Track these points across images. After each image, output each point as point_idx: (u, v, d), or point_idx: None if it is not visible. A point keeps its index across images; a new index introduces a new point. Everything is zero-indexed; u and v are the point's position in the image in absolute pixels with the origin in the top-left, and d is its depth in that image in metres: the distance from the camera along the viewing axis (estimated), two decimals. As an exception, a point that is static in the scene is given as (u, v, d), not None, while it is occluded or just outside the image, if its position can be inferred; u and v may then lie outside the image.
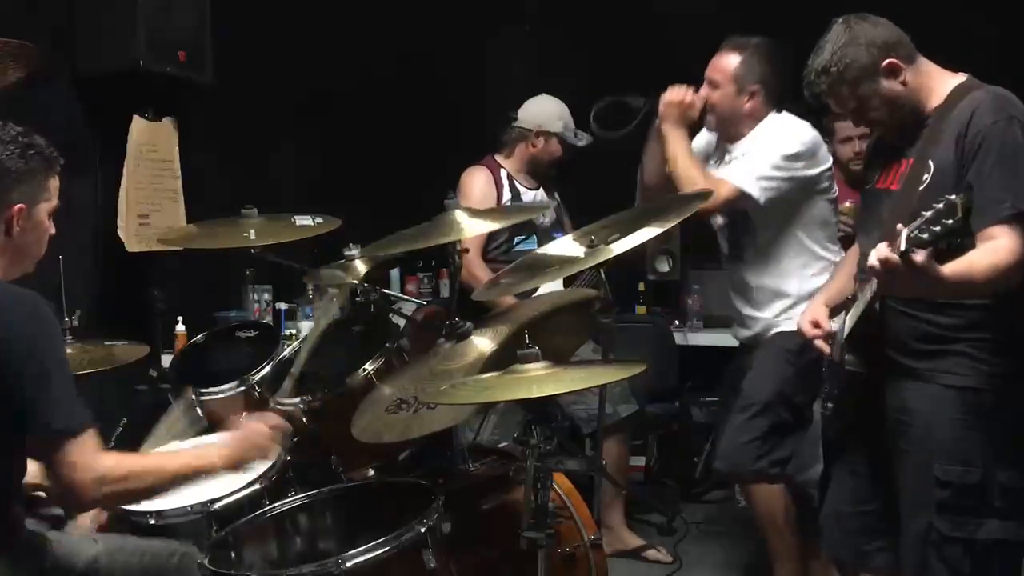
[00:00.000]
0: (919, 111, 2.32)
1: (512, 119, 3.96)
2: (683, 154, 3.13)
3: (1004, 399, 2.23)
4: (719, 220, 3.29)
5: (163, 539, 2.25)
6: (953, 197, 1.88)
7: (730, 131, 3.23)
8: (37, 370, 1.88)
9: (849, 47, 2.28)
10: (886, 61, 2.28)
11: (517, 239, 3.90)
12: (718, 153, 3.33)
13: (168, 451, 2.17)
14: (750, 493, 3.35)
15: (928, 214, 1.91)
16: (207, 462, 2.09)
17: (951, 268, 2.04)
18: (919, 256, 1.92)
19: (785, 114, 3.19)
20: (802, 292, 3.07)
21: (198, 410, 2.68)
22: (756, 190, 3.03)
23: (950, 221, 1.88)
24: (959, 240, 1.95)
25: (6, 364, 1.87)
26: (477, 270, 3.68)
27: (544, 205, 3.93)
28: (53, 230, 2.16)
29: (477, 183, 3.91)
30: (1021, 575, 2.36)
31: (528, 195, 3.95)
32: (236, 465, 2.16)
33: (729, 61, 3.17)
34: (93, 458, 1.90)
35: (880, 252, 1.98)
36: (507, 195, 3.90)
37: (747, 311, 3.25)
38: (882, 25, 2.32)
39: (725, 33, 3.28)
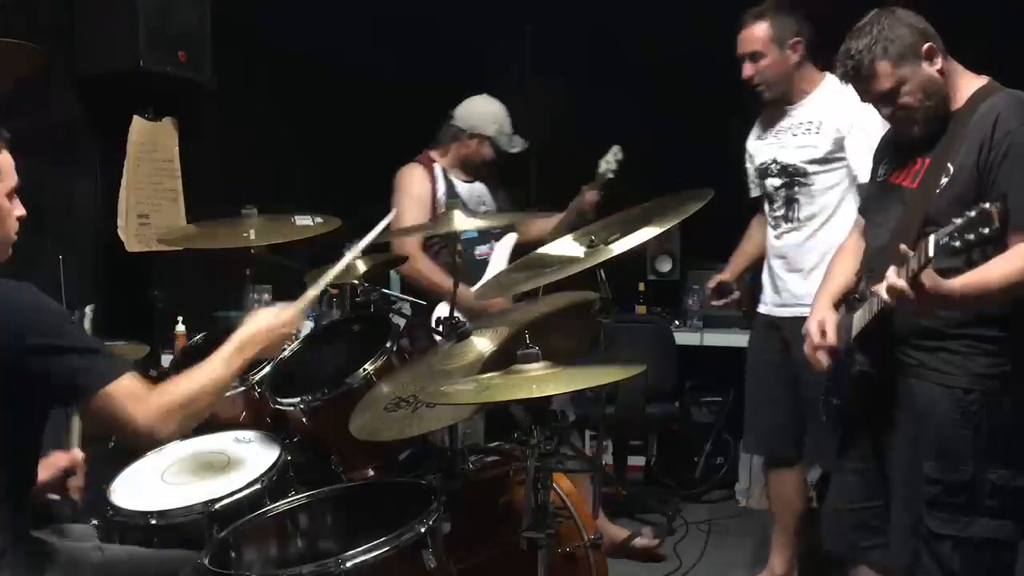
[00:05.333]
0: (945, 105, 2.32)
1: (449, 116, 3.92)
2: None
3: (996, 399, 2.24)
4: (776, 182, 3.38)
5: (166, 550, 2.24)
6: (987, 205, 1.87)
7: (787, 91, 3.33)
8: (51, 345, 1.90)
9: (895, 26, 2.30)
10: (927, 45, 2.29)
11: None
12: (769, 120, 3.42)
13: (194, 371, 2.14)
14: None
15: (960, 221, 1.88)
16: (232, 367, 2.14)
17: (963, 281, 2.04)
18: (927, 279, 1.92)
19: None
20: None
21: None
22: None
23: (986, 230, 1.86)
24: (990, 249, 1.93)
25: (20, 349, 1.88)
26: (421, 265, 3.64)
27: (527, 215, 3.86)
28: (21, 211, 2.10)
29: (414, 180, 3.84)
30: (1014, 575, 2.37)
31: (463, 187, 3.87)
32: (253, 361, 2.23)
33: (760, 28, 3.28)
34: (143, 396, 1.96)
35: (889, 279, 1.98)
36: (442, 188, 3.83)
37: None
38: (920, 16, 2.35)
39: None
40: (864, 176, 3.16)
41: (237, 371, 2.15)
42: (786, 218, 3.36)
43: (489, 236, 3.81)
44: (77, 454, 2.33)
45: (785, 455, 3.45)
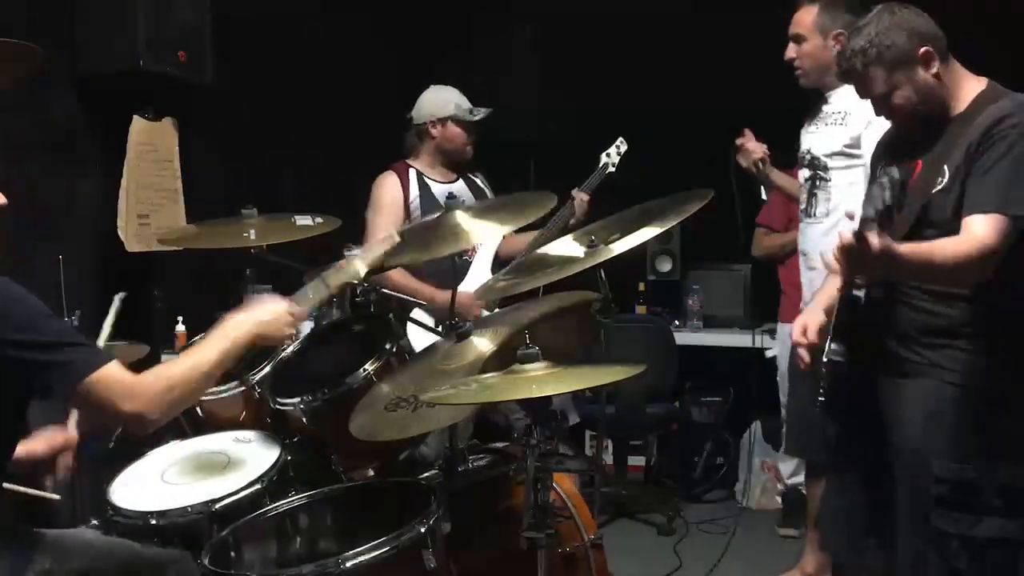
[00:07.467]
0: (944, 110, 2.31)
1: (409, 120, 3.90)
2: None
3: (1004, 398, 2.24)
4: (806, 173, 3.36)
5: (159, 547, 2.23)
6: (893, 169, 1.90)
7: (823, 79, 3.27)
8: (27, 339, 1.86)
9: (891, 31, 2.28)
10: (923, 49, 2.28)
11: None
12: (816, 110, 3.34)
13: (192, 350, 2.14)
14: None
15: (873, 191, 1.91)
16: (232, 345, 2.12)
17: (911, 249, 2.06)
18: (874, 237, 1.93)
19: None
20: None
21: None
22: None
23: (887, 194, 1.89)
24: (893, 217, 1.94)
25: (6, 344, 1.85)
26: (392, 273, 3.51)
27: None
28: (2, 199, 2.00)
29: (384, 189, 3.80)
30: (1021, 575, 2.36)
31: (439, 188, 3.80)
32: (256, 342, 2.20)
33: (809, 13, 3.27)
34: (128, 382, 1.94)
35: (841, 238, 1.99)
36: (414, 191, 3.79)
37: None
38: (924, 17, 2.33)
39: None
40: None
41: (227, 355, 2.11)
42: (807, 212, 3.32)
43: None
44: (72, 433, 2.33)
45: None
